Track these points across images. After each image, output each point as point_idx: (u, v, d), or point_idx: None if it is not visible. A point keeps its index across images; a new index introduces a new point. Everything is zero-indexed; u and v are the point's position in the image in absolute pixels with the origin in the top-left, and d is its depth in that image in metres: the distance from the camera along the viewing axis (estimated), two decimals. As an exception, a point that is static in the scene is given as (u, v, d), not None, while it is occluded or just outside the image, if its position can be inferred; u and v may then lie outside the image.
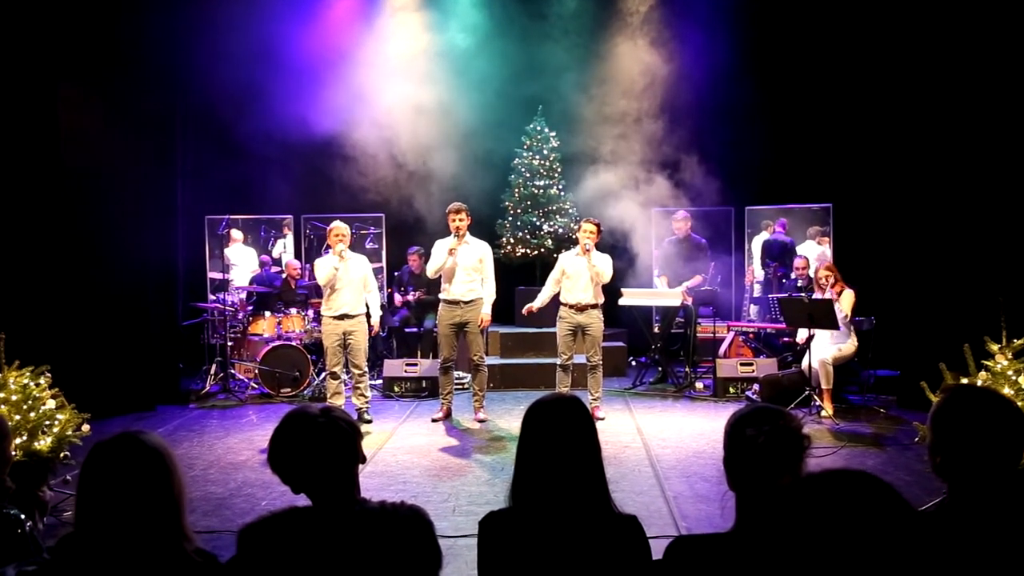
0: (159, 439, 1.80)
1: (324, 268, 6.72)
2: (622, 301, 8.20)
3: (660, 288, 8.65)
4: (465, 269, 6.75)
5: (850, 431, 6.25)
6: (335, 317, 6.72)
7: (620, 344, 9.13)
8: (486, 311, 6.78)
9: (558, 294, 6.95)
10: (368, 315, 6.90)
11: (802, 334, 7.10)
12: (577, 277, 6.77)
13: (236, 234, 9.87)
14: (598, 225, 6.89)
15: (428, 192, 9.23)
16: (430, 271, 6.87)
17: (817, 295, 7.00)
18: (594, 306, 6.84)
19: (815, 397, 6.67)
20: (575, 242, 7.26)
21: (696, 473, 5.21)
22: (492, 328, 8.92)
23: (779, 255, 9.14)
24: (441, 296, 6.89)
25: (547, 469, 1.94)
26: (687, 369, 8.22)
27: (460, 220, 6.71)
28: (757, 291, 9.33)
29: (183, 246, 9.12)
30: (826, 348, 6.84)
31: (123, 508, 1.70)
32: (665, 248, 8.76)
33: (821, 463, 5.11)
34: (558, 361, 6.93)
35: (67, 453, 4.35)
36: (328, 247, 6.95)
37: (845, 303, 6.78)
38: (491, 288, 6.85)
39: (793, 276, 8.39)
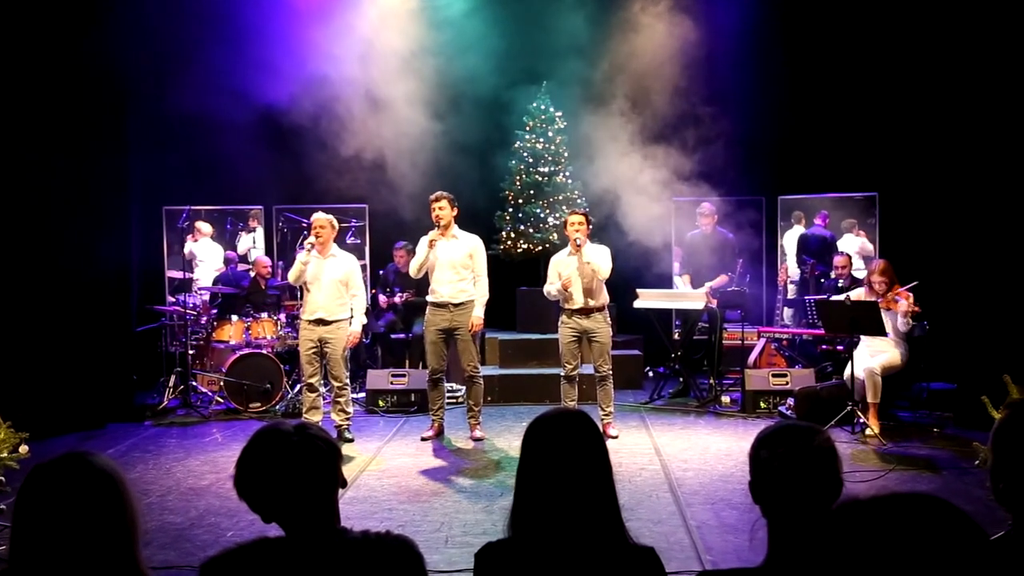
0: (109, 461, 1.79)
1: (295, 264, 6.75)
2: (638, 303, 8.19)
3: (681, 289, 8.65)
4: (453, 267, 6.76)
5: (899, 452, 6.24)
6: (310, 321, 6.73)
7: (635, 352, 9.13)
8: (478, 314, 6.78)
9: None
10: (351, 320, 6.89)
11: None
12: (575, 278, 6.77)
13: (204, 227, 9.87)
14: (586, 215, 6.89)
15: (417, 179, 9.23)
16: (412, 269, 6.89)
17: (862, 295, 6.98)
18: (599, 309, 6.84)
19: (859, 413, 6.66)
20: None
21: (722, 499, 5.20)
22: (490, 334, 8.92)
23: (818, 251, 9.14)
24: (428, 298, 6.90)
25: (552, 494, 1.93)
26: (711, 381, 8.21)
27: (440, 209, 6.72)
28: (792, 292, 9.33)
29: (137, 241, 9.12)
30: (872, 357, 6.83)
31: (67, 541, 1.69)
32: (687, 243, 8.77)
33: (865, 489, 5.10)
34: (562, 372, 6.93)
35: (2, 479, 4.34)
36: (303, 242, 6.98)
37: (904, 307, 6.73)
38: (483, 287, 6.85)
39: (833, 275, 8.39)
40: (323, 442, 1.89)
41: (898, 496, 1.18)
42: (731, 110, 9.18)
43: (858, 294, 7.09)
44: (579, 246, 6.71)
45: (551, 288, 6.91)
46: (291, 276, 6.79)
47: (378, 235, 10.01)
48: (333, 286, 6.75)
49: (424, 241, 6.79)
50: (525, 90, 9.46)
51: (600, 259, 6.75)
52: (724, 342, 8.45)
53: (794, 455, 1.80)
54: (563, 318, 6.90)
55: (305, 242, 6.77)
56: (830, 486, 1.81)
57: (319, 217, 6.81)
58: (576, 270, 6.77)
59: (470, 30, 9.07)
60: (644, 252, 8.90)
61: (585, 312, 6.79)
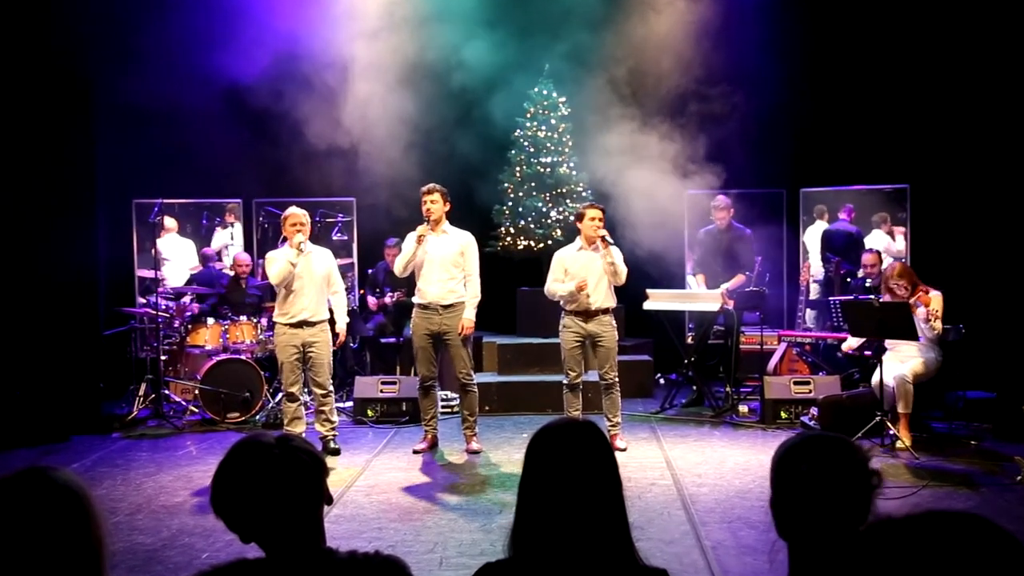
0: (74, 476, 1.78)
1: (278, 264, 6.70)
2: (647, 305, 8.19)
3: (694, 289, 8.65)
4: (442, 265, 6.76)
5: (933, 467, 6.23)
6: (292, 324, 6.72)
7: (644, 358, 9.13)
8: (468, 316, 6.78)
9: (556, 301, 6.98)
10: (333, 322, 6.89)
11: (853, 342, 7.06)
12: (586, 276, 6.78)
13: (169, 221, 9.87)
14: (603, 210, 6.92)
15: (409, 171, 9.22)
16: (397, 267, 6.89)
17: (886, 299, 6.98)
18: (606, 311, 6.84)
19: (888, 424, 6.66)
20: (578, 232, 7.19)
21: (740, 517, 5.20)
22: (488, 338, 8.91)
23: (844, 248, 9.14)
24: (414, 299, 6.91)
25: (556, 512, 1.93)
26: (728, 389, 8.22)
27: (432, 202, 6.73)
28: (815, 292, 9.33)
29: (104, 237, 9.11)
30: (903, 363, 6.82)
31: (27, 564, 1.68)
32: (701, 240, 8.76)
33: (896, 507, 5.10)
34: (564, 380, 6.94)
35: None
36: (284, 239, 6.95)
37: (934, 308, 6.71)
38: (475, 288, 6.85)
39: (860, 274, 8.39)
40: (307, 455, 1.88)
41: (935, 514, 1.17)
42: (750, 96, 9.17)
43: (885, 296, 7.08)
44: (609, 243, 6.72)
45: (558, 287, 6.89)
46: (276, 278, 6.72)
47: (366, 231, 10.01)
48: (316, 284, 6.76)
49: (412, 237, 6.79)
50: (526, 73, 9.46)
51: (622, 260, 6.78)
52: (741, 347, 8.46)
53: (825, 470, 1.79)
54: (565, 321, 6.89)
55: (295, 243, 6.65)
56: (861, 506, 1.80)
57: (297, 212, 6.80)
58: (592, 267, 6.76)
59: (466, 7, 9.07)
60: (654, 249, 8.90)
61: (591, 314, 6.79)
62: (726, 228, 8.53)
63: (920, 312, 6.73)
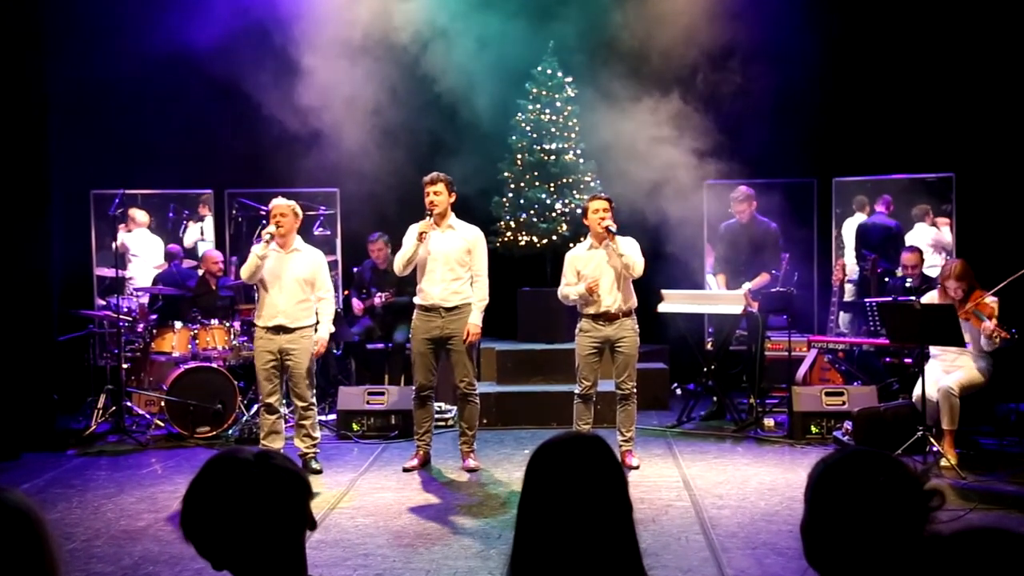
0: (24, 499, 1.78)
1: (249, 258, 6.77)
2: (662, 307, 8.19)
3: (715, 290, 8.64)
4: (447, 263, 6.76)
5: (982, 488, 6.22)
6: (268, 329, 6.72)
7: (660, 366, 9.13)
8: (475, 320, 6.79)
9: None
10: (317, 327, 6.90)
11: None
12: (599, 276, 6.78)
13: (139, 215, 9.87)
14: (610, 201, 6.91)
15: (399, 158, 9.23)
16: (397, 264, 6.88)
17: (935, 300, 6.96)
18: (627, 313, 6.84)
19: (931, 440, 6.65)
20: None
21: (766, 543, 5.20)
22: (486, 344, 8.91)
23: (880, 244, 9.14)
24: (416, 300, 6.90)
25: (559, 536, 1.93)
26: (751, 400, 8.22)
27: (436, 194, 6.73)
28: (849, 293, 9.32)
29: (59, 233, 9.11)
30: (948, 372, 6.81)
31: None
32: (720, 237, 8.75)
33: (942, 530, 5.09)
34: (576, 389, 6.93)
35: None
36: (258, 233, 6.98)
37: (989, 327, 6.63)
38: (483, 289, 6.86)
39: (900, 273, 8.38)
40: (289, 474, 1.88)
41: (988, 532, 1.16)
42: (776, 74, 9.17)
43: (931, 298, 7.06)
44: (613, 233, 6.71)
45: (570, 291, 6.90)
46: (244, 272, 6.78)
47: (352, 226, 10.00)
48: (296, 286, 6.75)
49: (413, 231, 6.78)
50: (528, 51, 9.46)
51: (634, 251, 6.77)
52: (767, 353, 8.45)
53: (875, 491, 1.78)
54: (582, 325, 6.89)
55: (263, 232, 6.76)
56: (912, 532, 1.78)
57: (280, 203, 6.81)
58: (605, 265, 6.76)
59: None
60: (670, 246, 8.90)
61: (610, 317, 6.79)
62: (748, 222, 8.52)
63: (987, 326, 6.57)
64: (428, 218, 6.73)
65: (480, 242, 6.93)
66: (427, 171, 7.00)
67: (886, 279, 8.70)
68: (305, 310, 6.81)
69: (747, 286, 8.25)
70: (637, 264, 6.76)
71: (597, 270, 6.79)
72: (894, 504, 1.78)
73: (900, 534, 1.77)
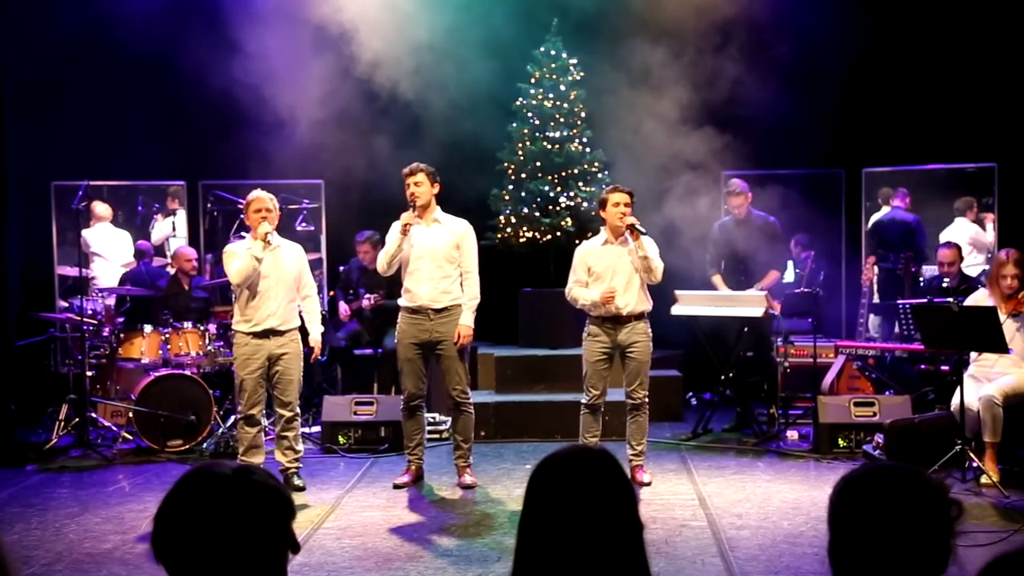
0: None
1: (239, 259, 6.67)
2: (676, 309, 8.19)
3: (722, 291, 8.62)
4: (434, 260, 6.76)
5: (1026, 507, 6.25)
6: (256, 334, 6.71)
7: (673, 373, 9.15)
8: (466, 322, 6.79)
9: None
10: (304, 331, 6.90)
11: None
12: (613, 275, 6.78)
13: (102, 209, 9.86)
14: (632, 195, 6.90)
15: (390, 147, 9.22)
16: (380, 263, 6.90)
17: (981, 300, 6.95)
18: (640, 316, 6.84)
19: (971, 455, 6.65)
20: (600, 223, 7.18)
21: (788, 567, 5.21)
22: (483, 350, 8.92)
23: (899, 242, 9.13)
24: (401, 302, 6.90)
25: (563, 559, 1.93)
26: (773, 411, 8.21)
27: (416, 184, 6.74)
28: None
29: (17, 228, 9.13)
30: (990, 380, 6.80)
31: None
32: (715, 235, 8.72)
33: (982, 555, 5.09)
34: (584, 399, 6.94)
35: None
36: (239, 230, 6.95)
37: None
38: (473, 288, 6.87)
39: (935, 271, 8.38)
40: (271, 491, 1.88)
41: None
42: (801, 55, 9.17)
43: (979, 298, 7.04)
44: (641, 232, 6.70)
45: (581, 293, 6.89)
46: (237, 276, 6.65)
47: (337, 221, 10.01)
48: (286, 285, 6.77)
49: (396, 227, 6.79)
50: (530, 31, 9.46)
51: (657, 253, 6.79)
52: (790, 360, 8.46)
53: (896, 508, 1.78)
54: (590, 329, 6.90)
55: (264, 234, 6.61)
56: (940, 550, 1.79)
57: (262, 196, 6.80)
58: (620, 262, 6.76)
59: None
60: (683, 243, 8.89)
61: (621, 320, 6.79)
62: (745, 218, 8.51)
63: None
64: (411, 211, 6.73)
65: (469, 236, 6.94)
66: (421, 161, 7.00)
67: (919, 280, 8.70)
68: (294, 311, 6.84)
69: (757, 286, 8.28)
70: (658, 268, 6.77)
71: (611, 269, 6.79)
72: (919, 520, 1.79)
73: (927, 551, 1.78)
